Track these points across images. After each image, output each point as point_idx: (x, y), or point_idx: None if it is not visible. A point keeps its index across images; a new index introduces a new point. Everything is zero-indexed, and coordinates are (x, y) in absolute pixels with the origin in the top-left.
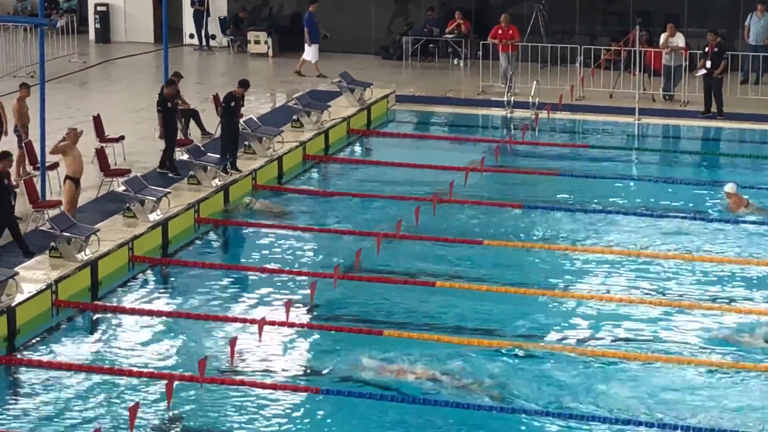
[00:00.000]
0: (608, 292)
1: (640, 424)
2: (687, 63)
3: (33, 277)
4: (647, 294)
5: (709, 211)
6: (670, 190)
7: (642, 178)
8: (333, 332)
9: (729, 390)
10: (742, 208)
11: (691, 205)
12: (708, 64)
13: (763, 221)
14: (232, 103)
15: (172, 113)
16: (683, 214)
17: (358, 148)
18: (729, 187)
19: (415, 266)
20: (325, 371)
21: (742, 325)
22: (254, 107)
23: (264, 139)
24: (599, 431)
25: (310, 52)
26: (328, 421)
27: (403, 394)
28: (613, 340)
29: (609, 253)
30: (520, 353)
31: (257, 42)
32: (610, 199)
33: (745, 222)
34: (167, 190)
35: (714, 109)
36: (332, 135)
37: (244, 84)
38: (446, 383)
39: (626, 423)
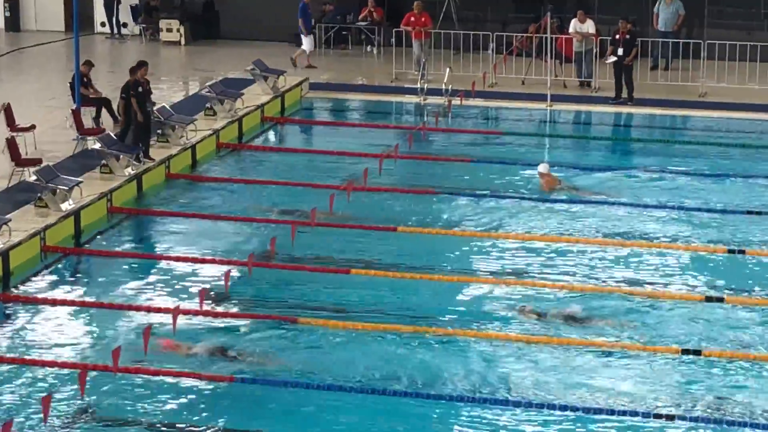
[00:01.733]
0: (521, 276)
1: (553, 407)
2: (597, 49)
3: None
4: (562, 278)
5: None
6: (581, 174)
7: (554, 163)
8: (248, 320)
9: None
10: (556, 186)
11: (600, 190)
12: (620, 51)
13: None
14: (140, 88)
15: (143, 96)
16: (595, 199)
17: (272, 136)
18: (542, 167)
19: (330, 254)
20: (240, 359)
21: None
22: (167, 95)
23: (177, 127)
24: (511, 415)
25: (306, 43)
26: (242, 408)
27: (319, 382)
28: (524, 324)
29: (521, 239)
30: (435, 338)
31: (169, 30)
32: (523, 186)
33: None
34: (79, 179)
35: (625, 95)
36: (246, 123)
37: (143, 63)
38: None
39: (540, 406)
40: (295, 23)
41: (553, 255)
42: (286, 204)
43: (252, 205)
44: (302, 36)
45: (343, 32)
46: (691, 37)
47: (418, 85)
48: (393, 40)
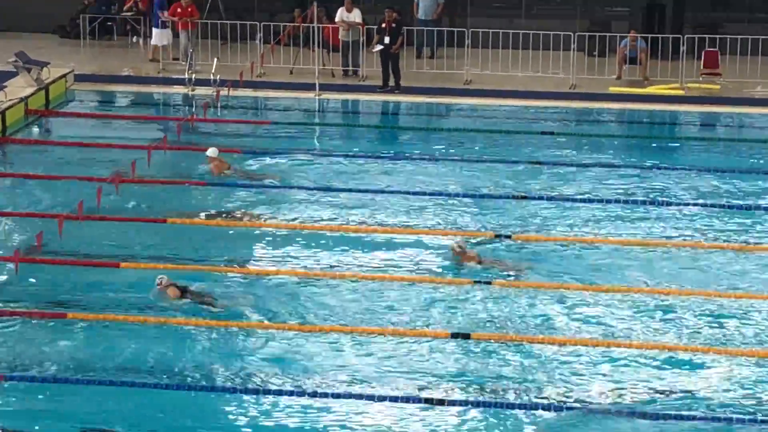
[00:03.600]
0: (295, 266)
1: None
2: (364, 38)
3: None
4: (331, 266)
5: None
6: (345, 163)
7: (323, 153)
8: (15, 317)
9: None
10: (224, 172)
11: (370, 179)
12: (386, 39)
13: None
14: None
15: None
16: (364, 188)
17: (36, 129)
18: (210, 152)
19: (99, 247)
20: (10, 358)
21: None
22: None
23: None
24: (290, 404)
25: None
26: (10, 410)
27: (92, 377)
28: (301, 313)
29: (291, 228)
30: (208, 330)
31: None
32: (292, 175)
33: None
34: None
35: (392, 83)
36: (9, 116)
37: None
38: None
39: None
40: (61, 14)
41: (324, 242)
42: (52, 198)
43: (17, 199)
44: (154, 29)
45: (108, 23)
46: (455, 25)
47: (186, 76)
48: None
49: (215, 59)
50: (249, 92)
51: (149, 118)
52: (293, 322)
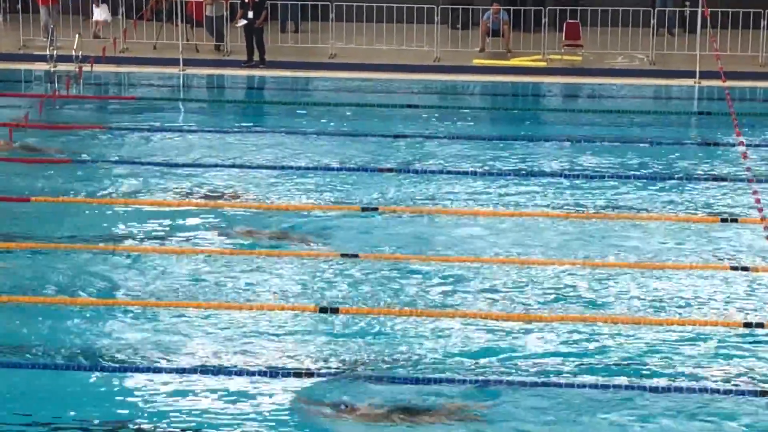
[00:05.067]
0: (164, 243)
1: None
2: (228, 13)
3: None
4: (188, 240)
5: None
6: (210, 138)
7: (188, 128)
8: None
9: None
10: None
11: (238, 153)
12: (250, 14)
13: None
14: None
15: None
16: (230, 162)
17: None
18: None
19: None
20: None
21: None
22: None
23: None
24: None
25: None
26: None
27: None
28: (161, 289)
29: (158, 204)
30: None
31: None
32: (159, 151)
33: None
34: None
35: (256, 57)
36: None
37: None
38: None
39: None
40: None
41: (187, 217)
42: None
43: None
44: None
45: None
46: None
47: (48, 52)
48: (19, 6)
49: (77, 35)
50: (112, 68)
51: (10, 95)
52: (153, 299)
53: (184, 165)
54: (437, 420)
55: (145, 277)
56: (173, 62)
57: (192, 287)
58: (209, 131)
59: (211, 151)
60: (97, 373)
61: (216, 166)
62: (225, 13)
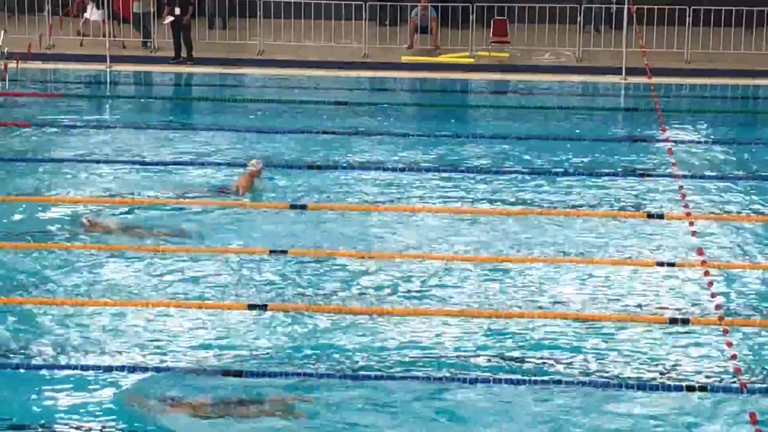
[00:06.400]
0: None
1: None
2: (155, 9)
3: None
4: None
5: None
6: (136, 135)
7: (115, 125)
8: None
9: None
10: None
11: (163, 150)
12: (177, 10)
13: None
14: None
15: None
16: (157, 159)
17: None
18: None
19: None
20: None
21: None
22: None
23: None
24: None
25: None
26: None
27: None
28: (88, 286)
29: (71, 202)
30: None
31: None
32: (83, 149)
33: None
34: None
35: (184, 54)
36: None
37: None
38: None
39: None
40: None
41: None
42: None
43: None
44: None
45: None
46: None
47: None
48: None
49: (2, 31)
50: (38, 65)
51: None
52: (77, 298)
53: (107, 162)
54: (262, 413)
55: (65, 275)
56: (100, 59)
57: (127, 284)
58: (134, 128)
59: (136, 148)
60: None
61: (141, 163)
62: (152, 10)
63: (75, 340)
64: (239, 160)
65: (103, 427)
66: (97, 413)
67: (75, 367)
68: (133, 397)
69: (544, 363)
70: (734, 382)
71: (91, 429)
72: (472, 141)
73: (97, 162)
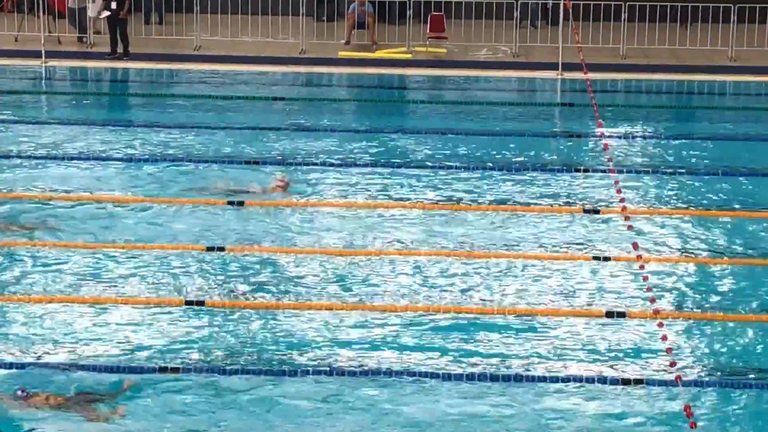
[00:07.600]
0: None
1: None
2: (91, 4)
3: None
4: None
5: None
6: (70, 132)
7: (50, 121)
8: None
9: None
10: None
11: (98, 146)
12: (113, 5)
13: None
14: None
15: None
16: (92, 156)
17: None
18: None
19: None
20: None
21: None
22: None
23: None
24: None
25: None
26: None
27: None
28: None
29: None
30: None
31: None
32: (21, 145)
33: None
34: None
35: (120, 49)
36: None
37: None
38: None
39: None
40: None
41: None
42: None
43: None
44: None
45: None
46: None
47: None
48: None
49: None
50: None
51: None
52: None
53: (42, 158)
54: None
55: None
56: (35, 54)
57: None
58: (70, 124)
59: (70, 144)
60: None
61: (78, 158)
62: (88, 5)
63: None
64: (177, 156)
65: None
66: None
67: None
68: None
69: (477, 359)
70: (670, 375)
71: None
72: (409, 136)
73: (36, 158)
